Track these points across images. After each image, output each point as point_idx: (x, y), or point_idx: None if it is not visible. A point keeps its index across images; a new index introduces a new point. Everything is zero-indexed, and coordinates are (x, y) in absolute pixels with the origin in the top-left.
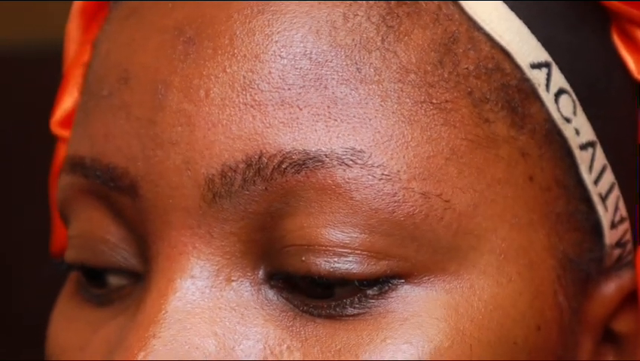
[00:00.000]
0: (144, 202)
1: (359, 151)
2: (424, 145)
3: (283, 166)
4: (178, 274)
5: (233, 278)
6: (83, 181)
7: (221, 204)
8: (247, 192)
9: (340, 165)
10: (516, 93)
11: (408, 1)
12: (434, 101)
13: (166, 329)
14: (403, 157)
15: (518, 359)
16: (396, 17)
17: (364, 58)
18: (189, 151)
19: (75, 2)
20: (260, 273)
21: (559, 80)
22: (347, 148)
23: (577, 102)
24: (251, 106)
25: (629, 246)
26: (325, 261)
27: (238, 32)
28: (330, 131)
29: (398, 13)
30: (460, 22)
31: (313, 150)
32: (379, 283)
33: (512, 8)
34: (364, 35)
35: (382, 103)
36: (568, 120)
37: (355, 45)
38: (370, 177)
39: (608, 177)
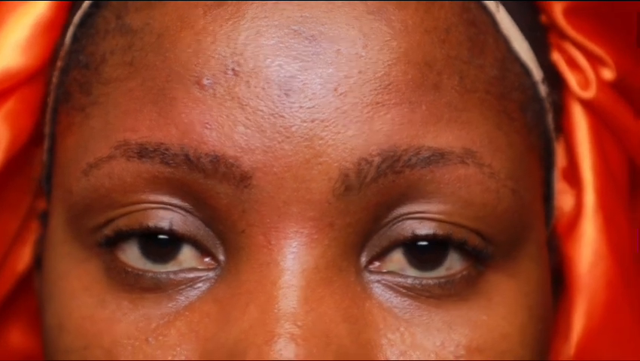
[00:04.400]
0: (257, 193)
1: (474, 151)
2: (507, 149)
3: (413, 160)
4: (299, 265)
5: (342, 267)
6: (159, 168)
7: (349, 197)
8: (375, 185)
9: (460, 163)
10: (537, 104)
11: (475, 22)
12: (507, 110)
13: (305, 318)
14: (499, 158)
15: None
16: (474, 35)
17: (463, 69)
18: (322, 146)
19: None
20: (362, 260)
21: (549, 95)
22: (465, 148)
23: (553, 115)
24: (383, 105)
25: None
26: (435, 226)
27: (361, 36)
28: (447, 132)
29: (474, 32)
30: (499, 41)
31: (438, 147)
32: (480, 265)
33: (521, 30)
34: (461, 48)
35: (480, 110)
36: (554, 130)
37: (457, 57)
38: (481, 175)
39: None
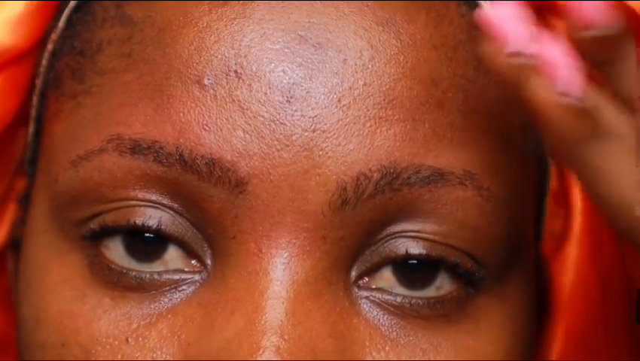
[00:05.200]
0: (252, 200)
1: (473, 173)
2: (505, 172)
3: (412, 179)
4: (289, 275)
5: (332, 281)
6: (152, 166)
7: (345, 211)
8: (372, 201)
9: (459, 184)
10: (536, 128)
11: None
12: (507, 133)
13: (292, 331)
14: (498, 183)
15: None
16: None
17: (468, 89)
18: (321, 157)
19: None
20: (352, 275)
21: None
22: (465, 170)
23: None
24: (386, 120)
25: None
26: (429, 246)
27: (369, 47)
28: (449, 152)
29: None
30: None
31: (439, 167)
32: (470, 287)
33: None
34: (467, 67)
35: (481, 132)
36: (549, 153)
37: (463, 75)
38: (479, 198)
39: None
